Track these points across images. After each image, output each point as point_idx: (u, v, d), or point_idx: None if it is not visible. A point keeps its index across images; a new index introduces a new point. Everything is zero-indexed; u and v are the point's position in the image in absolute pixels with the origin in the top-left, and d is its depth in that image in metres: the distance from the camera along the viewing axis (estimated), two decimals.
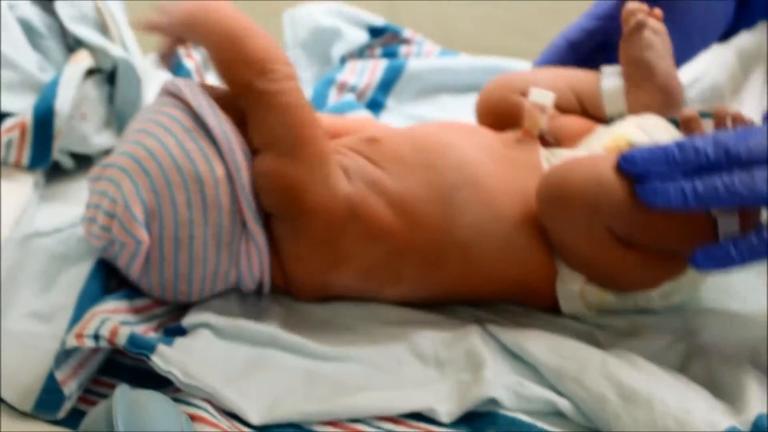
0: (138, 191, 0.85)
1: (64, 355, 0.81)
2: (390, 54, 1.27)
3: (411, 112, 1.22)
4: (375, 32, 1.29)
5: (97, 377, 0.85)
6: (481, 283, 0.89)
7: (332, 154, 0.88)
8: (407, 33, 1.29)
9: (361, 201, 0.87)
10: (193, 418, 0.77)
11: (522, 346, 0.85)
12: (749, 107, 1.10)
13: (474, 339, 0.86)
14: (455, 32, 1.36)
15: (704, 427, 0.75)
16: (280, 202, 0.87)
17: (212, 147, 0.87)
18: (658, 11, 0.95)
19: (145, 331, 0.87)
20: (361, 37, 1.27)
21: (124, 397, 0.72)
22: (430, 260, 0.88)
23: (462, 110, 1.12)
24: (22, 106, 1.07)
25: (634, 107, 0.95)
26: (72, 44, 1.14)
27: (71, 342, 0.80)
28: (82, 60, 1.09)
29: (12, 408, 0.82)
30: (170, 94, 0.91)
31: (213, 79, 1.22)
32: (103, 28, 1.14)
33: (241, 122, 0.89)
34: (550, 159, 0.92)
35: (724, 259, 0.78)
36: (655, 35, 0.95)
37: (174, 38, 0.95)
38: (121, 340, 0.81)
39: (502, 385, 0.81)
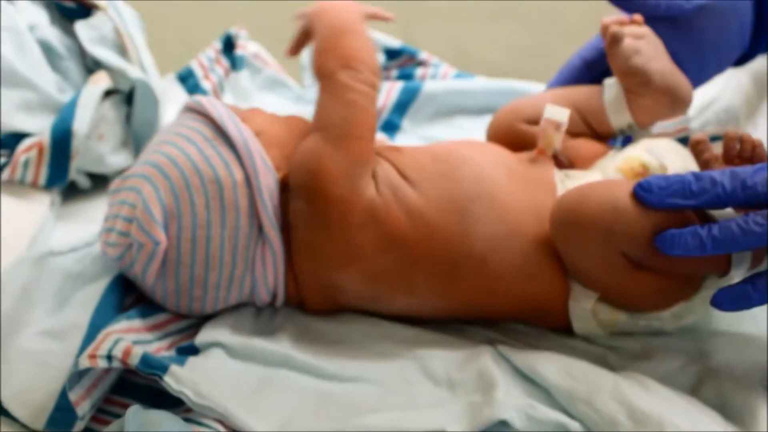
0: (158, 194, 0.87)
1: (78, 375, 0.81)
2: (406, 76, 1.28)
3: (426, 133, 1.22)
4: (391, 54, 1.29)
5: (110, 396, 0.85)
6: (494, 299, 0.89)
7: (372, 161, 0.90)
8: (423, 55, 1.29)
9: (383, 208, 0.88)
10: None
11: (533, 367, 0.84)
12: (763, 131, 1.10)
13: (486, 360, 0.85)
14: (471, 55, 1.37)
15: None
16: (307, 184, 0.88)
17: (232, 153, 0.89)
18: (637, 17, 0.95)
19: (158, 349, 0.88)
20: (378, 58, 1.27)
21: (136, 417, 0.72)
22: (443, 271, 0.88)
23: (477, 132, 1.12)
24: (40, 127, 1.08)
25: (641, 115, 0.95)
26: (91, 65, 1.15)
27: (84, 363, 0.81)
28: (101, 81, 1.11)
29: (24, 427, 0.82)
30: (192, 110, 0.94)
31: (228, 99, 1.23)
32: (122, 50, 1.15)
33: (258, 133, 0.91)
34: (565, 180, 0.92)
35: (744, 300, 0.79)
36: (639, 40, 0.94)
37: (306, 31, 0.99)
38: (134, 360, 0.81)
39: (513, 406, 0.80)
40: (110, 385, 0.85)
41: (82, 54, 1.16)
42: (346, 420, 0.81)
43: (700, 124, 1.11)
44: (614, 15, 1.01)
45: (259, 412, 0.82)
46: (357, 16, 0.95)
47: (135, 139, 1.14)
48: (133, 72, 1.12)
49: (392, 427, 0.80)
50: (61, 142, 1.05)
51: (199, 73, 1.25)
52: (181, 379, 0.81)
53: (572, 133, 0.96)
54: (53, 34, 1.15)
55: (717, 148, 0.85)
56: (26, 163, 1.05)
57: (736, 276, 0.82)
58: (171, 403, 0.82)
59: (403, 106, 1.23)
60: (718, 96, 1.16)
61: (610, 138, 0.98)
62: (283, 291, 0.91)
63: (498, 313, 0.91)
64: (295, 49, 1.02)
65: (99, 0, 1.15)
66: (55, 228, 1.05)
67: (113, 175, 1.10)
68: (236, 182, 0.88)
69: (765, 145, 0.85)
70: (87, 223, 1.03)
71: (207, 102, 0.93)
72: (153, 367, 0.81)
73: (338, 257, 0.88)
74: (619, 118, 0.96)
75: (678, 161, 0.90)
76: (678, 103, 0.94)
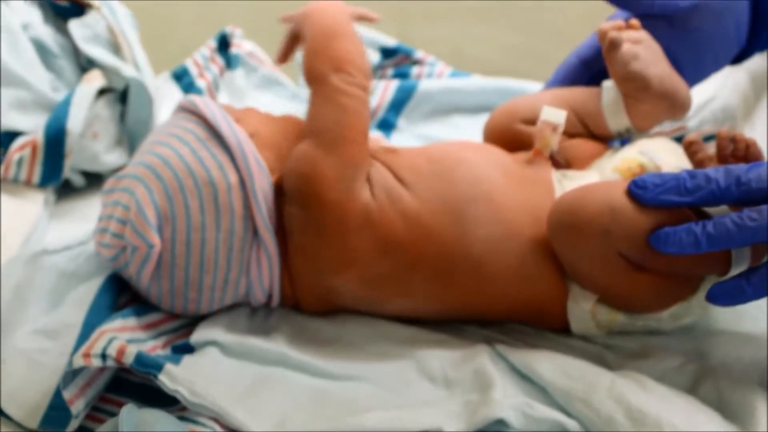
0: (152, 196, 0.86)
1: (72, 374, 0.81)
2: (402, 74, 1.27)
3: (422, 132, 1.21)
4: (387, 53, 1.29)
5: (105, 395, 0.85)
6: (491, 300, 0.89)
7: (367, 165, 0.89)
8: (419, 54, 1.29)
9: (378, 212, 0.87)
10: None
11: (531, 366, 0.84)
12: (761, 131, 1.10)
13: (482, 359, 0.85)
14: (466, 54, 1.37)
15: None
16: (301, 189, 0.87)
17: (226, 155, 0.88)
18: (634, 21, 0.95)
19: (153, 348, 0.87)
20: (373, 57, 1.27)
21: (130, 416, 0.72)
22: (440, 274, 0.87)
23: (473, 131, 1.11)
24: (34, 125, 1.08)
25: (639, 120, 0.94)
26: (84, 64, 1.15)
27: (78, 361, 0.80)
28: (95, 80, 1.11)
29: (18, 425, 0.82)
30: (186, 109, 0.93)
31: (224, 98, 1.23)
32: (116, 48, 1.15)
33: (252, 134, 0.90)
34: (562, 181, 0.91)
35: (739, 294, 0.78)
36: (637, 45, 0.93)
37: (294, 35, 0.99)
38: (129, 359, 0.80)
39: (510, 405, 0.80)
40: (105, 384, 0.85)
41: (75, 53, 1.15)
42: (342, 419, 0.80)
43: (697, 123, 1.11)
44: (611, 11, 1.01)
45: (254, 410, 0.81)
46: (345, 17, 0.94)
47: (129, 138, 1.14)
48: (127, 70, 1.12)
49: (389, 426, 0.80)
50: (55, 140, 1.05)
51: (193, 71, 1.25)
52: (176, 377, 0.80)
53: (569, 133, 0.95)
54: (47, 33, 1.14)
55: (711, 148, 0.85)
56: (20, 162, 1.05)
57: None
58: (166, 401, 0.82)
59: (398, 104, 1.23)
60: (715, 95, 1.15)
61: (608, 140, 0.98)
62: (279, 292, 0.91)
63: (495, 314, 0.91)
64: (284, 56, 1.02)
65: None
66: (49, 226, 1.04)
67: (108, 173, 1.10)
68: (231, 185, 0.87)
69: (762, 142, 0.85)
70: (81, 222, 1.02)
71: (201, 102, 0.92)
72: (147, 365, 0.81)
73: (335, 262, 0.88)
74: (617, 121, 0.95)
75: (672, 160, 0.90)
76: (677, 108, 0.94)
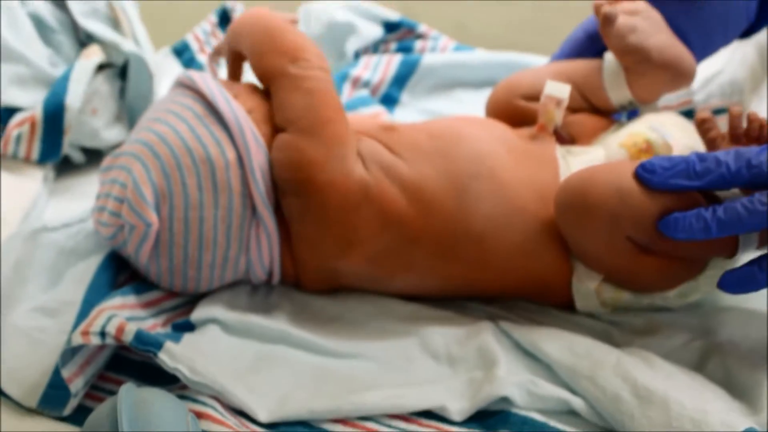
0: (148, 174, 0.86)
1: (70, 352, 0.80)
2: (405, 49, 1.26)
3: (425, 107, 1.20)
4: (390, 27, 1.28)
5: (104, 373, 0.84)
6: (494, 277, 0.88)
7: (352, 139, 0.88)
8: (422, 28, 1.28)
9: (376, 186, 0.86)
10: (199, 415, 0.76)
11: (535, 343, 0.83)
12: None
13: (487, 336, 0.85)
14: (470, 28, 1.35)
15: (721, 428, 0.73)
16: (293, 178, 0.86)
17: (224, 132, 0.87)
18: None
19: (153, 326, 0.87)
20: (376, 32, 1.26)
21: (129, 395, 0.71)
22: (443, 250, 0.87)
23: (477, 105, 1.11)
24: (32, 101, 1.07)
25: (641, 92, 0.93)
26: (83, 39, 1.14)
27: (77, 339, 0.79)
28: (93, 55, 1.09)
29: (15, 404, 0.81)
30: (183, 85, 0.92)
31: (225, 74, 1.22)
32: (115, 23, 1.14)
33: (251, 110, 0.90)
34: (566, 156, 0.90)
35: (751, 282, 0.77)
36: (634, 16, 0.92)
37: (233, 55, 0.97)
38: (128, 337, 0.80)
39: (514, 383, 0.80)
40: (104, 362, 0.84)
41: (74, 27, 1.14)
42: (344, 397, 0.80)
43: (704, 96, 1.09)
44: None
45: (255, 388, 0.81)
46: (275, 15, 0.93)
47: (129, 114, 1.13)
48: (127, 45, 1.11)
49: (391, 404, 0.80)
50: (54, 116, 1.04)
51: (194, 46, 1.24)
52: (176, 355, 0.80)
53: (572, 108, 0.94)
54: (45, 8, 1.13)
55: (722, 121, 0.84)
56: (18, 138, 1.04)
57: (744, 258, 0.80)
58: (167, 380, 0.81)
59: (402, 79, 1.22)
60: (723, 68, 1.14)
61: (611, 113, 0.96)
62: (279, 270, 0.90)
63: (499, 290, 0.90)
64: (235, 77, 0.99)
65: None
66: (49, 203, 1.04)
67: (108, 149, 1.09)
68: (228, 162, 0.86)
69: None
70: (81, 199, 1.02)
71: (198, 78, 0.91)
72: (147, 343, 0.80)
73: (338, 245, 0.87)
74: (619, 94, 0.94)
75: (683, 137, 0.89)
76: (680, 77, 0.93)
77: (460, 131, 0.91)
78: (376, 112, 1.13)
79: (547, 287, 0.88)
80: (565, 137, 0.94)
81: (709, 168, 0.77)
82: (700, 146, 0.88)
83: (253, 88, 0.94)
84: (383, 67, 1.22)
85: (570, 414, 0.80)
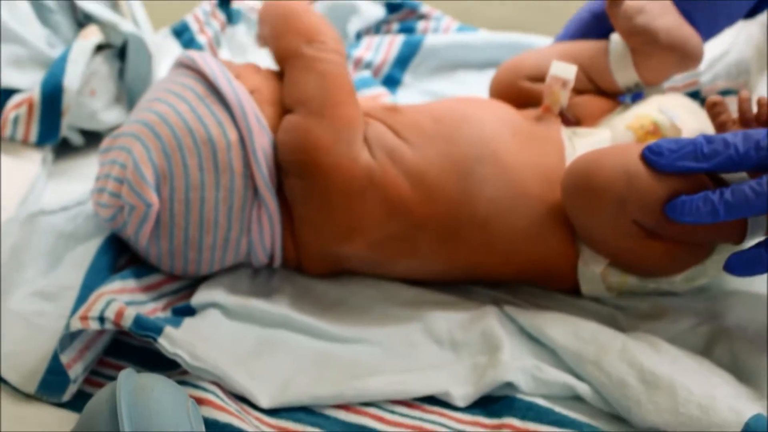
0: (149, 154, 0.85)
1: (69, 337, 0.79)
2: (407, 29, 1.25)
3: (428, 88, 1.19)
4: (392, 7, 1.26)
5: (103, 358, 0.83)
6: (499, 261, 0.87)
7: (361, 124, 0.87)
8: (425, 8, 1.26)
9: (381, 172, 0.86)
10: (200, 401, 0.76)
11: (540, 328, 0.83)
12: None
13: (491, 321, 0.84)
14: (473, 8, 1.34)
15: (729, 413, 0.72)
16: (298, 160, 0.86)
17: (225, 112, 0.86)
18: None
19: (153, 310, 0.86)
20: (378, 12, 1.25)
21: (128, 381, 0.70)
22: (447, 235, 0.86)
23: (480, 86, 1.10)
24: (30, 82, 1.06)
25: (648, 74, 0.92)
26: (81, 19, 1.12)
27: (75, 324, 0.78)
28: (92, 35, 1.08)
29: (14, 390, 0.80)
30: (184, 65, 0.92)
31: (225, 54, 1.21)
32: (114, 3, 1.13)
33: (253, 91, 0.89)
34: (572, 138, 0.89)
35: (758, 264, 0.76)
36: None
37: (260, 35, 0.97)
38: (127, 322, 0.79)
39: (519, 368, 0.79)
40: (104, 347, 0.83)
41: (72, 8, 1.13)
42: (346, 382, 0.79)
43: (710, 77, 1.08)
44: None
45: (257, 374, 0.80)
46: (299, 2, 0.93)
47: (129, 95, 1.12)
48: (125, 26, 1.10)
49: (394, 390, 0.79)
50: (52, 98, 1.03)
51: (194, 27, 1.23)
52: (176, 340, 0.79)
53: (577, 90, 0.93)
54: None
55: (730, 103, 0.83)
56: (16, 120, 1.03)
57: (752, 243, 0.79)
58: (167, 365, 0.81)
59: (404, 60, 1.21)
60: (729, 49, 1.13)
61: (617, 95, 0.95)
62: (281, 253, 0.89)
63: (503, 274, 0.89)
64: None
65: None
66: (47, 186, 1.02)
67: (107, 131, 1.08)
68: (230, 143, 0.85)
69: None
70: (80, 182, 1.01)
71: (199, 58, 0.90)
72: (146, 328, 0.79)
73: (341, 229, 0.86)
74: (625, 76, 0.93)
75: (692, 120, 0.88)
76: (687, 59, 0.91)
77: (464, 114, 0.90)
78: (378, 93, 1.12)
79: (552, 271, 0.87)
80: (571, 119, 0.93)
81: (717, 150, 0.76)
82: (709, 129, 0.87)
83: (255, 68, 0.93)
84: (385, 47, 1.21)
85: (575, 399, 0.79)
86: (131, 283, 0.86)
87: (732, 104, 0.86)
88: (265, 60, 0.99)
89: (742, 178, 0.79)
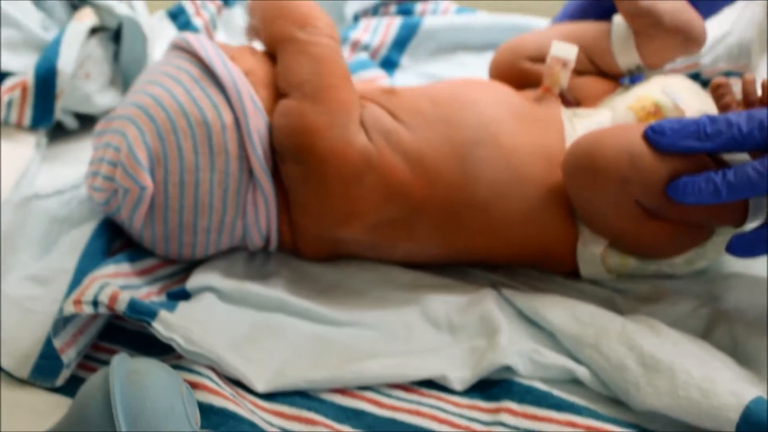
0: (143, 137, 0.84)
1: (63, 322, 0.79)
2: (405, 11, 1.24)
3: (426, 70, 1.19)
4: None
5: (97, 343, 0.83)
6: (498, 243, 0.86)
7: (356, 107, 0.86)
8: None
9: (378, 155, 0.85)
10: (195, 386, 0.75)
11: (539, 311, 0.82)
12: None
13: (489, 304, 0.83)
14: None
15: (729, 397, 0.71)
16: (294, 144, 0.85)
17: (220, 95, 0.86)
18: None
19: (148, 294, 0.85)
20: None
21: (122, 365, 0.69)
22: (446, 219, 0.85)
23: (479, 69, 1.09)
24: (23, 66, 1.06)
25: (651, 57, 0.91)
26: (76, 2, 1.12)
27: (69, 309, 0.78)
28: (86, 18, 1.08)
29: (8, 375, 0.80)
30: (179, 47, 0.91)
31: (221, 36, 1.20)
32: None
33: (248, 73, 0.88)
34: (573, 119, 0.89)
35: (759, 246, 0.76)
36: None
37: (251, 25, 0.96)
38: (121, 306, 0.78)
39: (517, 351, 0.79)
40: (98, 332, 0.83)
41: None
42: (343, 366, 0.79)
43: (711, 59, 1.08)
44: None
45: (253, 358, 0.80)
46: None
47: (123, 78, 1.11)
48: (120, 8, 1.09)
49: (392, 373, 0.79)
50: (46, 81, 1.02)
51: (190, 9, 1.22)
52: (170, 325, 0.78)
53: (578, 71, 0.93)
54: None
55: (735, 84, 0.82)
56: (10, 104, 1.03)
57: (752, 226, 0.79)
58: (162, 350, 0.80)
59: (402, 42, 1.20)
60: (730, 30, 1.12)
61: (618, 78, 0.95)
62: (276, 236, 0.89)
63: (503, 257, 0.89)
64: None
65: None
66: (41, 170, 1.02)
67: (101, 115, 1.08)
68: (225, 125, 0.85)
69: None
70: (74, 166, 1.00)
71: (194, 40, 0.89)
72: (141, 312, 0.78)
73: (339, 215, 0.86)
74: (627, 59, 0.92)
75: (694, 101, 0.87)
76: (690, 42, 0.91)
77: (464, 96, 0.89)
78: (375, 75, 1.11)
79: (552, 253, 0.87)
80: (571, 100, 0.92)
81: (720, 130, 0.75)
82: (712, 110, 0.86)
83: (251, 50, 0.92)
84: (383, 29, 1.20)
85: (574, 383, 0.79)
86: (125, 267, 0.86)
87: (735, 86, 0.85)
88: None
89: (744, 159, 0.78)
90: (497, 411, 0.76)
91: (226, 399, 0.75)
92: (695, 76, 1.04)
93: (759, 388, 0.73)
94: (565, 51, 0.89)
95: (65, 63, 1.02)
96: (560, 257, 0.87)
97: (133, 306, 0.78)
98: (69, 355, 0.78)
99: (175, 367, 0.76)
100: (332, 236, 0.87)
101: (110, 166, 0.85)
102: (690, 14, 0.90)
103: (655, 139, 0.78)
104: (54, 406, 0.77)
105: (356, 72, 1.11)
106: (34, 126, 1.04)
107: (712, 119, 0.76)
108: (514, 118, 0.88)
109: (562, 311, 0.81)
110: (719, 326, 0.81)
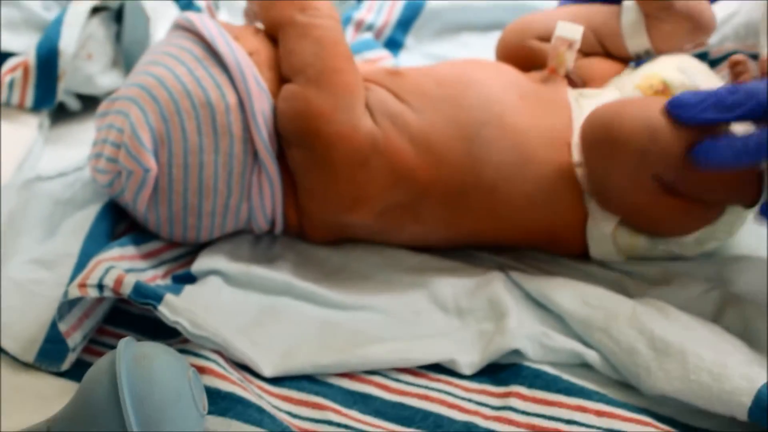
0: (146, 118, 0.83)
1: (68, 305, 0.78)
2: None
3: (431, 51, 1.18)
4: None
5: (103, 327, 0.82)
6: (506, 227, 0.86)
7: (361, 90, 0.86)
8: None
9: (384, 138, 0.84)
10: (201, 370, 0.74)
11: (547, 294, 0.81)
12: None
13: (497, 287, 0.83)
14: None
15: (741, 381, 0.71)
16: (299, 129, 0.84)
17: (224, 75, 0.85)
18: None
19: (153, 278, 0.85)
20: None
21: (128, 349, 0.68)
22: (453, 201, 0.85)
23: (484, 49, 1.08)
24: (25, 46, 1.05)
25: (660, 41, 0.91)
26: None
27: (74, 292, 0.77)
28: None
29: (13, 359, 0.79)
30: (182, 27, 0.90)
31: (224, 17, 1.19)
32: None
33: (252, 53, 0.87)
34: (579, 99, 0.88)
35: None
36: None
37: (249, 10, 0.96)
38: (126, 289, 0.77)
39: (526, 335, 0.78)
40: (103, 315, 0.82)
41: None
42: (350, 350, 0.78)
43: (718, 39, 1.07)
44: None
45: (259, 342, 0.79)
46: None
47: (126, 59, 1.10)
48: None
49: (399, 358, 0.78)
50: (47, 61, 1.02)
51: None
52: (176, 308, 0.77)
53: (585, 53, 0.92)
54: None
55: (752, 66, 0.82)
56: (11, 84, 1.02)
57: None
58: (167, 333, 0.79)
59: (406, 23, 1.19)
60: (737, 10, 1.11)
61: (625, 61, 0.94)
62: (282, 219, 0.88)
63: (510, 239, 0.88)
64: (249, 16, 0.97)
65: None
66: (44, 152, 1.01)
67: (104, 96, 1.07)
68: (229, 106, 0.84)
69: None
70: (77, 147, 1.00)
71: (197, 20, 0.88)
72: (146, 296, 0.77)
73: (345, 200, 0.85)
74: (637, 42, 0.92)
75: (707, 82, 0.86)
76: (700, 29, 0.91)
77: (469, 76, 0.88)
78: (379, 56, 1.10)
79: (559, 235, 0.86)
80: (577, 81, 0.92)
81: (739, 100, 0.75)
82: None
83: (254, 30, 0.91)
84: (387, 9, 1.19)
85: (583, 367, 0.78)
86: (130, 250, 0.85)
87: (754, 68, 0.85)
88: None
89: None
90: (506, 395, 0.75)
91: (234, 383, 0.74)
92: (702, 56, 1.03)
93: None
94: (570, 31, 0.89)
95: (67, 43, 1.02)
96: (568, 239, 0.86)
97: (139, 289, 0.77)
98: (75, 339, 0.78)
99: (182, 351, 0.76)
100: (339, 221, 0.86)
101: (114, 148, 0.84)
102: (702, 4, 0.90)
103: (677, 112, 0.77)
104: (60, 391, 0.76)
105: (361, 52, 1.10)
106: (37, 107, 1.03)
107: (731, 90, 0.76)
108: (520, 98, 0.87)
109: (570, 294, 0.81)
110: (730, 309, 0.81)
